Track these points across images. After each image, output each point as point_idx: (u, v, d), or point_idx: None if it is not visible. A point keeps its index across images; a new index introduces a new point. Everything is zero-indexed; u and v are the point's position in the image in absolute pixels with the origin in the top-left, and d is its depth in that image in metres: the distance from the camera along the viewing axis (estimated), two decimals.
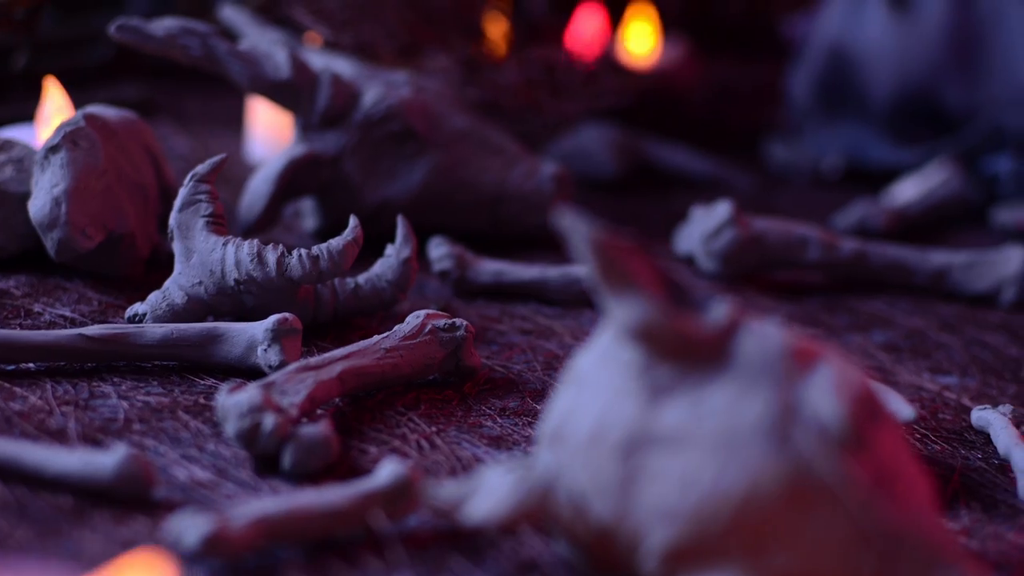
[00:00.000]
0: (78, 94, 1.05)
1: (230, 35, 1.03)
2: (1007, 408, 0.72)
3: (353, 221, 0.77)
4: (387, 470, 0.55)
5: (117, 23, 0.89)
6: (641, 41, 1.72)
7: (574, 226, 0.49)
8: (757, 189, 1.28)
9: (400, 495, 0.54)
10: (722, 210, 0.95)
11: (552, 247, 1.00)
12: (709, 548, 0.47)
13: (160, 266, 0.85)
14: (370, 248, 0.89)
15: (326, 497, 0.53)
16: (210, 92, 1.35)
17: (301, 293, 0.77)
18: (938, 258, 0.98)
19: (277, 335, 0.70)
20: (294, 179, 0.93)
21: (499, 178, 0.98)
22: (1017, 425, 0.72)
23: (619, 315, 0.49)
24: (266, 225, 0.92)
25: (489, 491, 0.51)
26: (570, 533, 0.51)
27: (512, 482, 0.50)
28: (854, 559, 0.46)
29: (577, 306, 0.88)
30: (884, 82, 1.29)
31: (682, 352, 0.49)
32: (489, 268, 0.89)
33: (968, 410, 0.75)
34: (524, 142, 1.14)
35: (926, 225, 1.19)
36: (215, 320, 0.76)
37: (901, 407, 0.63)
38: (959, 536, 0.60)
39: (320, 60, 1.00)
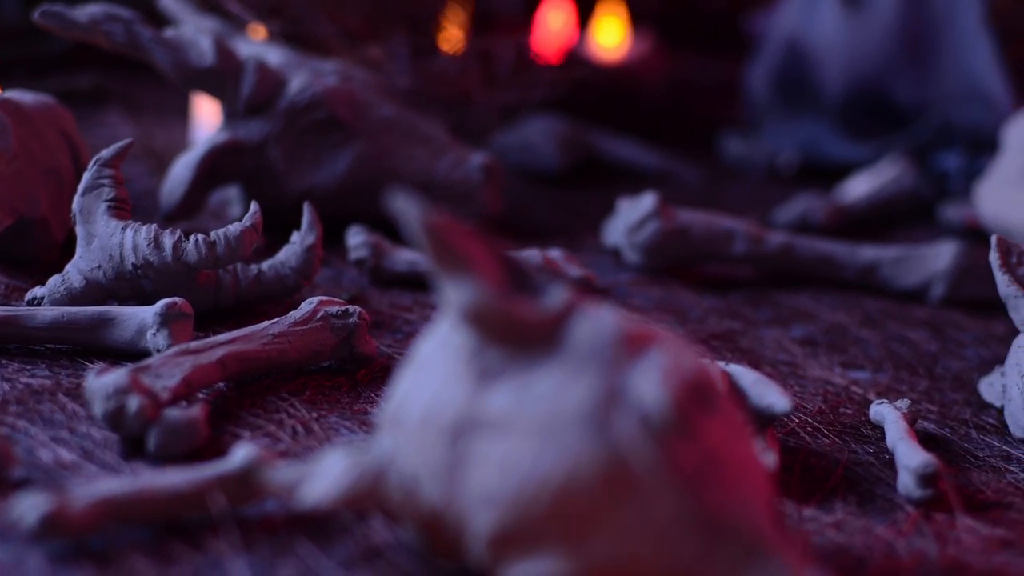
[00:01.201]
0: (35, 82, 1.05)
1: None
2: (904, 403, 0.71)
3: (253, 207, 0.77)
4: (239, 454, 0.55)
5: (40, 9, 0.89)
6: (610, 35, 1.72)
7: (406, 208, 0.48)
8: (706, 183, 1.27)
9: (247, 479, 0.53)
10: (646, 202, 0.95)
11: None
12: (530, 534, 0.46)
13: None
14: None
15: (171, 479, 0.53)
16: (164, 82, 1.36)
17: (201, 278, 0.77)
18: (868, 253, 0.97)
19: (166, 319, 0.70)
20: (216, 166, 0.93)
21: (426, 167, 0.98)
22: (913, 420, 0.71)
23: (451, 297, 0.48)
24: (188, 211, 0.92)
25: (323, 474, 0.50)
26: (404, 516, 0.50)
27: (345, 465, 0.50)
28: (672, 546, 0.45)
29: None
30: (836, 77, 1.28)
31: (512, 336, 0.48)
32: (405, 257, 0.89)
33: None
34: (472, 133, 1.14)
35: (875, 221, 1.18)
36: (118, 305, 0.76)
37: (777, 400, 0.62)
38: (831, 529, 0.59)
39: (252, 49, 1.00)
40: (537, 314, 0.48)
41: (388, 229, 0.97)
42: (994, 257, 0.75)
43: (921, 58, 1.24)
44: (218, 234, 0.75)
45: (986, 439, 0.73)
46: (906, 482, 0.63)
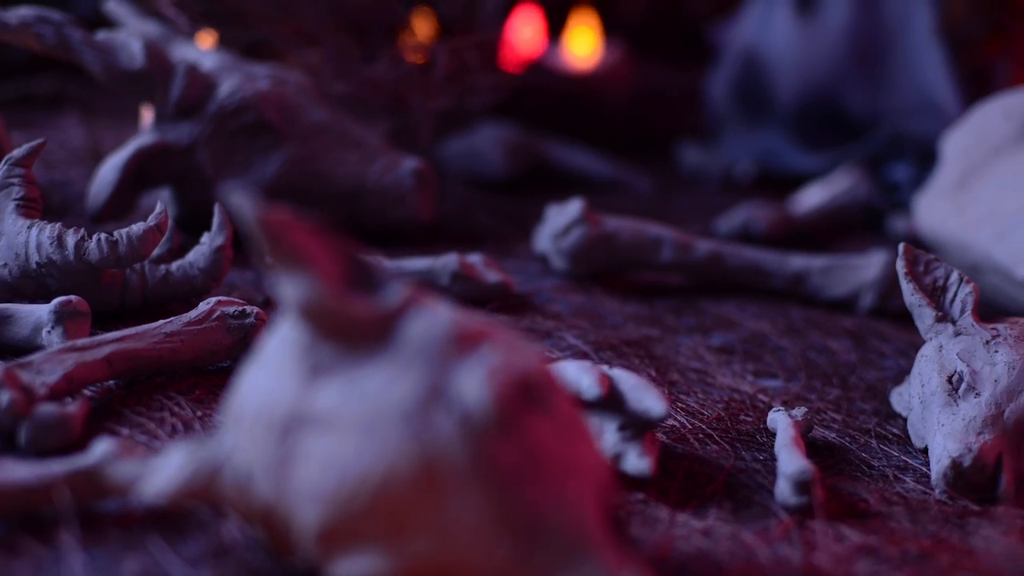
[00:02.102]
0: None
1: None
2: (800, 411, 0.71)
3: (159, 207, 0.77)
4: (97, 449, 0.55)
5: None
6: (583, 45, 1.72)
7: (241, 204, 0.48)
8: (657, 192, 1.27)
9: (97, 474, 0.53)
10: (573, 208, 0.94)
11: (413, 241, 1.00)
12: (352, 531, 0.46)
13: None
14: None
15: (20, 473, 0.53)
16: None
17: (107, 278, 0.77)
18: (797, 262, 0.96)
19: (60, 317, 0.70)
20: (145, 168, 0.93)
21: (357, 172, 0.98)
22: (808, 428, 0.71)
23: (285, 293, 0.48)
24: (115, 213, 0.92)
25: (161, 469, 0.50)
26: (239, 512, 0.50)
27: (181, 460, 0.50)
28: (487, 544, 0.45)
29: None
30: (789, 87, 1.28)
31: (344, 332, 0.48)
32: None
33: None
34: (416, 139, 1.14)
35: (825, 231, 1.17)
36: (27, 303, 0.76)
37: (654, 404, 0.62)
38: (699, 534, 0.58)
39: (188, 53, 1.01)
40: (370, 311, 0.48)
41: None
42: (900, 265, 0.74)
43: (873, 68, 1.23)
44: (120, 233, 0.75)
45: (886, 449, 0.72)
46: (782, 489, 0.62)
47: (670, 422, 0.71)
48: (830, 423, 0.75)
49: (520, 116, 1.36)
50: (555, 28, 1.72)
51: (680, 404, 0.74)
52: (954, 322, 0.73)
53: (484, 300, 0.87)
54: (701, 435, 0.70)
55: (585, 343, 0.82)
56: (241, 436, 0.50)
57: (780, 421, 0.69)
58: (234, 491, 0.49)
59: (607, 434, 0.63)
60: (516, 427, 0.46)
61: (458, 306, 0.51)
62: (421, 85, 1.03)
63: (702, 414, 0.73)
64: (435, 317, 0.48)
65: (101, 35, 0.95)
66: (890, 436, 0.74)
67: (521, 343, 0.49)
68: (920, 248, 1.02)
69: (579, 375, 0.63)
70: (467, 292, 0.87)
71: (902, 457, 0.71)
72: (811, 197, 1.21)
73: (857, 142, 1.26)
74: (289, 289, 0.48)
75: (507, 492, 0.45)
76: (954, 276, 0.74)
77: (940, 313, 0.73)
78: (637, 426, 0.63)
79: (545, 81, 1.45)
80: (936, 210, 0.98)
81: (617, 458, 0.62)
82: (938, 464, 0.66)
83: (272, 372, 0.49)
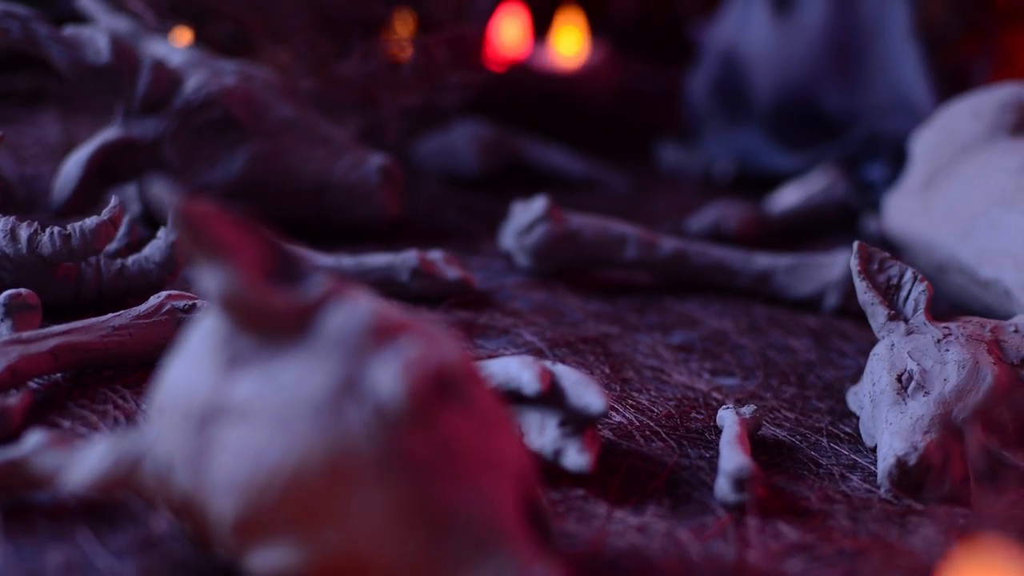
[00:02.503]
0: None
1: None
2: (748, 409, 0.71)
3: (113, 201, 0.77)
4: (29, 441, 0.55)
5: None
6: (569, 44, 1.72)
7: (162, 194, 0.48)
8: (634, 191, 1.27)
9: (24, 465, 0.53)
10: (537, 205, 0.94)
11: (380, 237, 1.00)
12: (265, 522, 0.46)
13: None
14: None
15: None
16: None
17: (61, 271, 0.77)
18: (762, 261, 0.96)
19: (9, 310, 0.70)
20: (110, 163, 0.93)
21: (323, 168, 0.98)
22: (756, 426, 0.70)
23: (205, 284, 0.48)
24: (79, 207, 0.92)
25: (84, 460, 0.50)
26: (159, 503, 0.50)
27: (103, 451, 0.50)
28: (399, 536, 0.45)
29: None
30: (766, 86, 1.27)
31: (263, 324, 0.48)
32: None
33: None
34: (390, 137, 1.14)
35: (801, 231, 1.17)
36: None
37: (593, 400, 0.62)
38: (634, 530, 0.58)
39: (157, 49, 1.01)
40: (288, 303, 0.48)
41: (286, 228, 0.97)
42: (854, 264, 0.74)
43: (849, 68, 1.22)
44: (74, 227, 0.75)
45: (836, 447, 0.72)
46: (721, 486, 0.62)
47: (617, 419, 0.71)
48: (782, 421, 0.74)
49: (501, 114, 1.36)
50: (542, 27, 1.72)
51: (631, 401, 0.74)
52: (907, 321, 0.72)
53: (443, 296, 0.87)
54: (648, 432, 0.70)
55: (541, 340, 0.82)
56: (163, 427, 0.50)
57: (727, 418, 0.69)
58: (155, 482, 0.49)
59: (548, 430, 0.63)
60: (430, 420, 0.46)
61: (385, 299, 0.51)
62: (390, 82, 1.03)
63: (652, 411, 0.73)
64: (354, 309, 0.48)
65: (68, 30, 0.95)
66: (842, 435, 0.73)
67: (443, 336, 0.49)
68: (889, 248, 1.02)
69: (520, 370, 0.63)
70: (426, 288, 0.87)
71: (852, 456, 0.71)
72: (787, 197, 1.21)
73: (833, 142, 1.25)
74: (208, 280, 0.48)
75: (418, 485, 0.45)
76: (908, 275, 0.74)
77: (893, 311, 0.73)
78: (577, 422, 0.63)
79: (527, 79, 1.44)
80: (903, 210, 0.97)
81: (557, 454, 0.62)
82: (884, 463, 0.65)
83: (193, 363, 0.49)
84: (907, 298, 0.74)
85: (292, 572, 0.46)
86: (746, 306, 0.94)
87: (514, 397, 0.64)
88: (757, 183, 1.31)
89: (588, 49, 1.68)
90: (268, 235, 0.51)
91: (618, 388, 0.76)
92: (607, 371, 0.78)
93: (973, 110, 0.96)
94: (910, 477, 0.65)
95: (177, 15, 1.02)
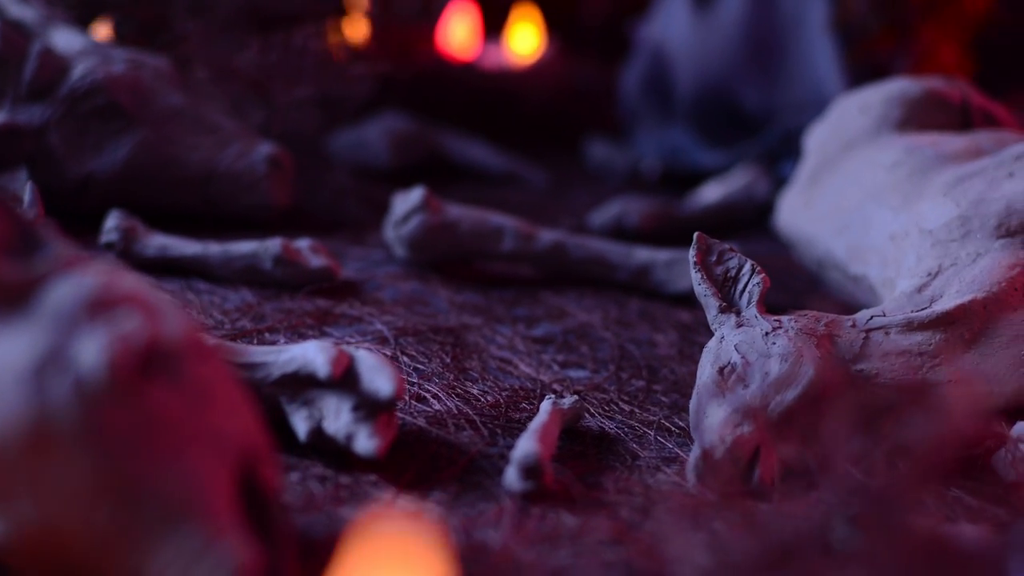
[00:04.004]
0: None
1: None
2: (568, 400, 0.70)
3: None
4: None
5: None
6: (524, 42, 1.71)
7: None
8: (553, 186, 1.26)
9: None
10: (414, 196, 0.94)
11: (269, 226, 1.00)
12: None
13: None
14: (81, 223, 0.91)
15: None
16: None
17: None
18: (642, 255, 0.95)
19: None
20: None
21: (210, 156, 0.98)
22: (577, 417, 0.70)
23: None
24: None
25: None
26: None
27: None
28: (89, 509, 0.44)
29: (234, 283, 0.87)
30: (687, 81, 1.26)
31: None
32: (155, 242, 0.89)
33: None
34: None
35: (714, 228, 1.16)
36: None
37: (383, 386, 0.61)
38: (408, 516, 0.58)
39: (58, 38, 1.02)
40: (12, 275, 0.48)
41: (172, 216, 0.98)
42: (692, 254, 0.73)
43: (768, 64, 1.21)
44: None
45: (663, 441, 0.71)
46: (509, 474, 0.61)
47: (436, 407, 0.70)
48: (615, 414, 0.73)
49: (435, 110, 1.36)
50: (499, 24, 1.72)
51: (459, 390, 0.73)
52: (739, 313, 0.71)
53: (306, 284, 0.87)
54: (463, 421, 0.69)
55: (391, 329, 0.82)
56: None
57: (543, 408, 0.68)
58: None
59: (342, 414, 0.63)
60: (132, 394, 0.46)
61: (130, 272, 0.51)
62: (285, 73, 1.03)
63: (478, 401, 0.72)
64: (78, 282, 0.48)
65: None
66: (674, 429, 0.72)
67: (169, 312, 0.49)
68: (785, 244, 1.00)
69: (316, 354, 0.63)
70: (289, 276, 0.87)
71: (676, 449, 0.70)
72: (708, 194, 1.20)
73: (753, 138, 1.24)
74: None
75: (112, 459, 0.45)
76: (747, 267, 0.73)
77: (725, 304, 0.71)
78: (370, 407, 0.62)
79: (467, 76, 1.44)
80: (789, 205, 0.96)
81: (349, 438, 0.62)
82: (691, 455, 0.64)
83: None
84: (743, 291, 0.73)
85: None
86: (623, 300, 0.93)
87: (313, 381, 0.64)
88: (684, 180, 1.30)
89: (543, 47, 1.67)
90: (9, 209, 0.51)
91: (450, 377, 0.75)
92: (447, 361, 0.78)
93: (861, 105, 0.94)
94: (716, 470, 0.64)
95: (71, 7, 1.03)
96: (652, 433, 0.71)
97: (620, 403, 0.75)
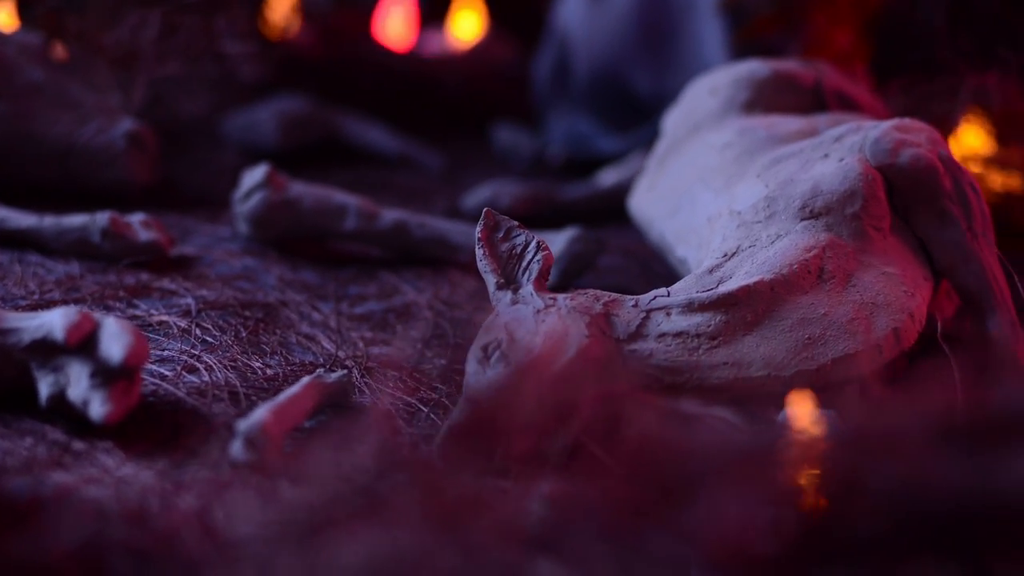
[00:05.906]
0: None
1: None
2: (336, 375, 0.69)
3: None
4: None
5: None
6: (466, 27, 1.71)
7: None
8: (448, 170, 1.25)
9: None
10: (257, 172, 0.94)
11: (130, 203, 1.01)
12: None
13: None
14: None
15: None
16: None
17: None
18: None
19: None
20: None
21: (68, 131, 0.99)
22: (342, 393, 0.69)
23: None
24: None
25: None
26: None
27: None
28: None
29: (67, 256, 0.88)
30: (583, 66, 1.25)
31: None
32: None
33: None
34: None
35: (604, 213, 1.14)
36: None
37: (115, 353, 0.61)
38: (115, 482, 0.58)
39: None
40: None
41: (33, 191, 0.99)
42: (478, 230, 0.72)
43: (659, 48, 1.19)
44: None
45: (435, 419, 0.70)
46: (233, 444, 0.61)
47: (205, 379, 0.70)
48: (396, 390, 0.73)
49: (345, 94, 1.36)
50: (441, 11, 1.71)
51: (236, 363, 0.73)
52: (516, 291, 0.70)
53: (133, 257, 0.87)
54: (226, 393, 0.69)
55: (199, 304, 0.82)
56: None
57: (300, 382, 0.68)
58: None
59: (82, 380, 0.63)
60: None
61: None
62: (150, 52, 1.04)
63: (255, 375, 0.72)
64: None
65: None
66: (451, 406, 0.72)
67: None
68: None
69: (56, 320, 0.63)
70: (118, 250, 0.87)
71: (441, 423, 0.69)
72: (605, 180, 1.18)
73: (647, 124, 1.22)
74: None
75: None
76: (533, 245, 0.72)
77: (502, 280, 0.71)
78: (105, 373, 0.62)
79: (384, 60, 1.44)
80: (639, 189, 0.95)
81: (85, 404, 0.62)
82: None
83: None
84: (526, 268, 0.72)
85: None
86: (460, 281, 0.92)
87: (59, 348, 0.64)
88: (589, 166, 1.28)
89: (484, 33, 1.67)
90: None
91: (236, 351, 0.75)
92: (243, 335, 0.78)
93: (711, 87, 0.92)
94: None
95: None
96: (427, 411, 0.71)
97: (408, 380, 0.75)
